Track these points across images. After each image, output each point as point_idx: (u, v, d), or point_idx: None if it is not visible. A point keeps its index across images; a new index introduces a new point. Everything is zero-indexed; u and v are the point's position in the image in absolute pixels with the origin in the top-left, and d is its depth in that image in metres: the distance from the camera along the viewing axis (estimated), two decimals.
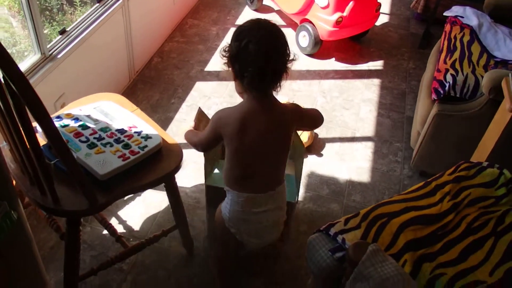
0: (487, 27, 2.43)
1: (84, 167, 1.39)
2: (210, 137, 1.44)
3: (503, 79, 1.82)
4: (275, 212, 1.50)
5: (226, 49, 1.34)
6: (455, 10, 2.60)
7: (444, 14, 2.65)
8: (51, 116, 1.56)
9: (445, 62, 2.20)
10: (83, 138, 1.47)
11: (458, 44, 2.33)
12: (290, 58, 1.35)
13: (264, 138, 1.38)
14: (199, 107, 1.83)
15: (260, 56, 1.27)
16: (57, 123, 1.51)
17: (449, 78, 2.08)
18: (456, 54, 2.24)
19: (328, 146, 2.55)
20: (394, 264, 1.26)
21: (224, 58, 1.35)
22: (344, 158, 2.50)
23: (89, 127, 1.52)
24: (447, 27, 2.52)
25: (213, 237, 1.93)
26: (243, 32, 1.30)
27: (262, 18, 1.39)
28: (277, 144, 1.43)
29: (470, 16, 2.50)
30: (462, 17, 2.52)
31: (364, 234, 1.46)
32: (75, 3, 2.74)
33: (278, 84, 1.36)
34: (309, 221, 2.13)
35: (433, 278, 1.36)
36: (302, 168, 1.95)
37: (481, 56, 2.26)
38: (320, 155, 2.49)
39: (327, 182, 2.34)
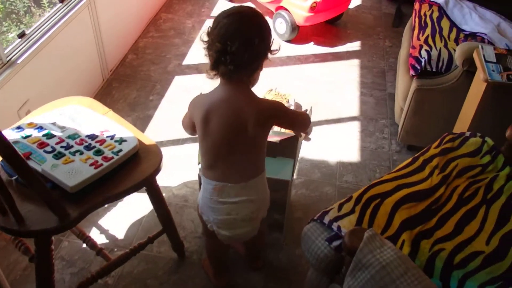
0: (453, 3, 2.49)
1: (51, 179, 1.23)
2: (189, 122, 1.40)
3: (474, 51, 1.87)
4: (246, 204, 1.39)
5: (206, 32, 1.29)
6: None
7: None
8: (11, 126, 1.40)
9: (418, 39, 2.24)
10: (48, 148, 1.30)
11: (428, 20, 2.38)
12: (272, 49, 1.28)
13: (227, 128, 1.31)
14: (200, 93, 1.73)
15: (225, 38, 1.19)
16: (18, 134, 1.35)
17: (424, 54, 2.12)
18: (428, 31, 2.29)
19: (315, 129, 2.47)
20: (392, 248, 1.17)
21: (204, 42, 1.27)
22: (332, 140, 2.43)
23: (54, 136, 1.35)
24: (417, 6, 2.56)
25: None
26: (220, 14, 1.25)
27: (247, 6, 1.30)
28: (244, 136, 1.32)
29: None
30: None
31: (359, 218, 1.39)
32: (42, 4, 2.59)
33: (247, 72, 1.26)
34: (303, 208, 2.05)
35: (433, 255, 1.32)
36: (299, 148, 1.88)
37: (451, 30, 2.31)
38: (308, 139, 2.41)
39: (317, 165, 2.26)
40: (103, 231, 1.89)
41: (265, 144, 1.39)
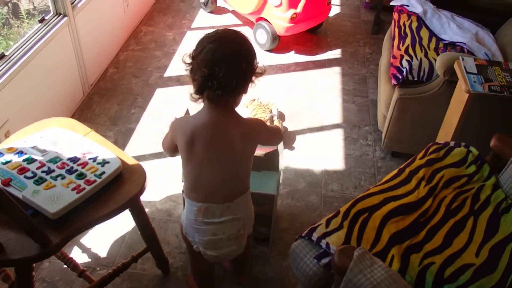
0: (431, 13, 2.51)
1: (32, 206, 1.18)
2: (170, 144, 1.37)
3: (454, 61, 1.89)
4: (232, 223, 1.36)
5: (189, 55, 1.26)
6: (400, 0, 2.67)
7: (391, 3, 2.73)
8: None
9: (399, 49, 2.25)
10: (28, 174, 1.25)
11: (408, 30, 2.40)
12: (257, 70, 1.27)
13: (213, 151, 1.29)
14: (187, 109, 1.69)
15: (212, 63, 1.17)
16: None
17: (405, 64, 2.13)
18: (408, 40, 2.31)
19: (299, 138, 2.46)
20: (382, 267, 1.15)
21: (186, 64, 1.24)
22: (316, 148, 2.42)
23: (35, 160, 1.30)
24: (395, 16, 2.58)
25: None
26: (204, 39, 1.23)
27: (231, 28, 1.28)
28: (230, 157, 1.30)
29: (414, 4, 2.57)
30: (407, 5, 2.59)
31: (348, 234, 1.37)
32: (21, 16, 2.54)
33: (234, 95, 1.25)
34: (289, 218, 2.03)
35: (423, 270, 1.31)
36: (282, 161, 1.86)
37: (430, 40, 2.33)
38: (292, 148, 2.40)
39: (302, 174, 2.25)
40: (85, 249, 1.83)
41: (251, 161, 1.38)
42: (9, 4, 2.72)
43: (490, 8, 2.58)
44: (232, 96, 1.24)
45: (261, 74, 1.28)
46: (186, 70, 1.24)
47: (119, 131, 2.40)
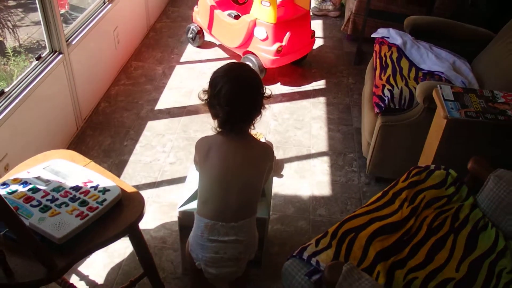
0: (411, 44, 2.58)
1: (38, 232, 1.26)
2: (195, 160, 1.53)
3: (433, 90, 1.96)
4: (234, 245, 1.45)
5: (204, 93, 1.43)
6: (381, 32, 2.76)
7: (372, 36, 2.81)
8: None
9: (380, 78, 2.31)
10: (34, 202, 1.34)
11: (388, 61, 2.46)
12: (265, 95, 1.43)
13: (225, 168, 1.42)
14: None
15: (233, 101, 1.34)
16: (3, 190, 1.37)
17: (386, 92, 2.20)
18: (389, 71, 2.37)
19: (286, 166, 2.55)
20: (369, 280, 1.24)
21: (203, 101, 1.43)
22: (303, 175, 2.50)
23: (40, 189, 1.39)
24: (377, 47, 2.65)
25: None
26: (219, 77, 1.38)
27: (234, 62, 1.47)
28: (241, 176, 1.42)
29: (394, 36, 2.65)
30: (387, 37, 2.68)
31: (336, 252, 1.45)
32: (7, 54, 2.62)
33: (251, 123, 1.42)
34: (279, 242, 2.09)
35: (407, 284, 1.38)
36: (271, 186, 1.95)
37: (410, 69, 2.40)
38: (281, 176, 2.48)
39: (291, 201, 2.32)
40: (83, 277, 1.88)
41: (261, 187, 1.48)
42: None
43: (466, 39, 2.68)
44: (250, 123, 1.42)
45: (269, 97, 1.44)
46: (203, 105, 1.42)
47: (113, 163, 2.48)
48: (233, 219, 1.43)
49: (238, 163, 1.42)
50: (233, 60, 3.43)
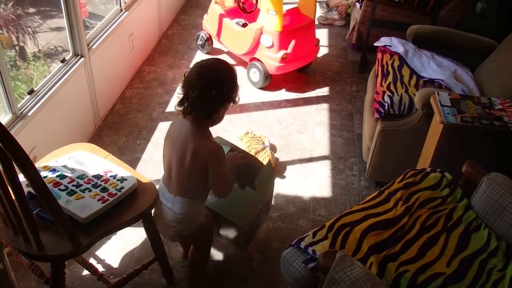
0: (412, 53, 2.60)
1: (66, 213, 1.40)
2: None
3: (431, 96, 2.00)
4: (168, 212, 1.63)
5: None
6: (383, 40, 2.80)
7: (375, 44, 2.85)
8: None
9: (381, 85, 2.36)
10: (62, 187, 1.49)
11: (390, 69, 2.50)
12: (228, 96, 1.51)
13: (172, 150, 1.57)
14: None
15: (188, 86, 1.46)
16: None
17: (387, 99, 2.24)
18: (390, 78, 2.41)
19: (289, 168, 2.63)
20: (361, 267, 1.31)
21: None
22: (305, 177, 2.57)
23: (66, 176, 1.54)
24: (379, 55, 2.68)
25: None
26: (195, 64, 1.51)
27: (221, 59, 1.55)
28: (181, 163, 1.55)
29: (396, 44, 2.68)
30: (390, 46, 2.70)
31: (332, 243, 1.53)
32: (28, 58, 2.74)
33: (202, 114, 1.50)
34: (280, 238, 2.19)
35: (398, 276, 1.45)
36: (273, 188, 2.04)
37: (411, 77, 2.43)
38: (283, 177, 2.57)
39: (292, 201, 2.41)
40: (100, 261, 2.04)
41: (197, 180, 1.59)
42: (16, 48, 2.90)
43: (469, 48, 2.68)
44: (200, 114, 1.50)
45: (233, 102, 1.53)
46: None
47: (127, 160, 2.61)
48: (174, 191, 1.60)
49: (181, 145, 1.53)
50: (240, 67, 3.52)
